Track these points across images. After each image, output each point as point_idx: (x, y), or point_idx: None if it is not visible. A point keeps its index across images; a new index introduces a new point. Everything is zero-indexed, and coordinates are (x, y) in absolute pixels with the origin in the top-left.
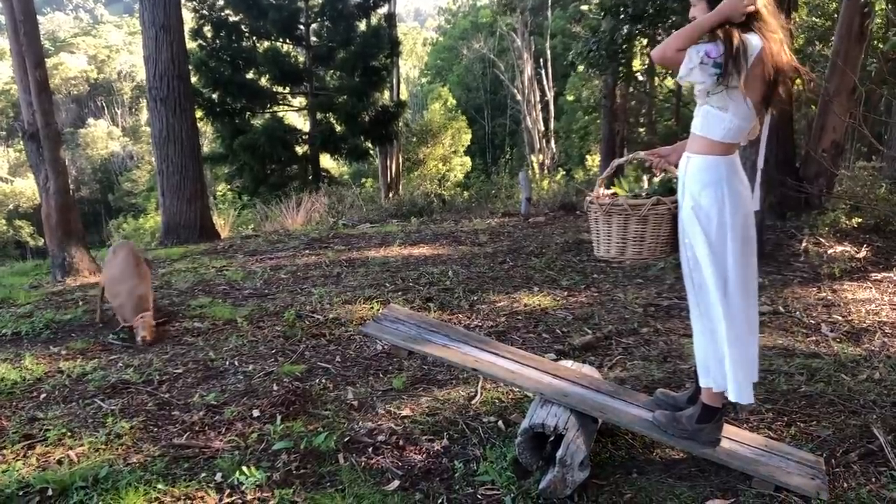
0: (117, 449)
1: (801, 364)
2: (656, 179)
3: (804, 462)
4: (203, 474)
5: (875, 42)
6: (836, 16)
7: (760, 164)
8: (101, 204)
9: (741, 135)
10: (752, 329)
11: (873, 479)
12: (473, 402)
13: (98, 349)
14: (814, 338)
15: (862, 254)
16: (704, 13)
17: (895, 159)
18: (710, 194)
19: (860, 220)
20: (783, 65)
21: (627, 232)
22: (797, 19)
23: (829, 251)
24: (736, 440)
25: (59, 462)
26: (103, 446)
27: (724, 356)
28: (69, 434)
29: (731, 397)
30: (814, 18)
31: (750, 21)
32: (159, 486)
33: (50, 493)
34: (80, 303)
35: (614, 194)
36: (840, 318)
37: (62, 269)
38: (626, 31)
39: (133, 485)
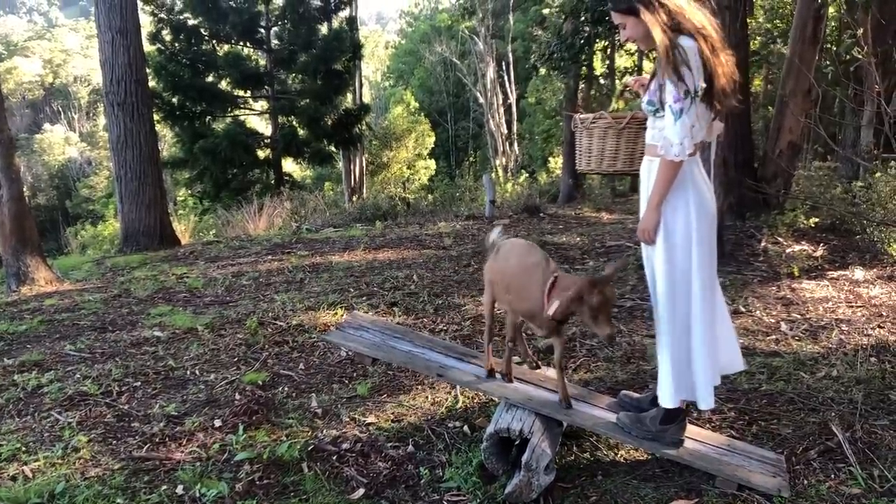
0: (75, 463)
1: (761, 363)
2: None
3: (766, 460)
4: (164, 487)
5: (829, 45)
6: (791, 19)
7: (713, 155)
8: (58, 211)
9: (699, 135)
10: (714, 329)
11: (832, 476)
12: (441, 407)
13: (55, 360)
14: (773, 336)
15: (819, 252)
16: (635, 28)
17: (849, 159)
18: (675, 196)
19: (817, 219)
20: (718, 48)
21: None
22: (753, 23)
23: (788, 250)
24: (699, 440)
25: (14, 478)
26: (60, 461)
27: (660, 362)
28: (24, 449)
29: (661, 402)
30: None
31: (674, 19)
32: (118, 500)
33: None
34: (35, 313)
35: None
36: (799, 316)
37: (17, 278)
38: (586, 32)
39: (91, 500)
